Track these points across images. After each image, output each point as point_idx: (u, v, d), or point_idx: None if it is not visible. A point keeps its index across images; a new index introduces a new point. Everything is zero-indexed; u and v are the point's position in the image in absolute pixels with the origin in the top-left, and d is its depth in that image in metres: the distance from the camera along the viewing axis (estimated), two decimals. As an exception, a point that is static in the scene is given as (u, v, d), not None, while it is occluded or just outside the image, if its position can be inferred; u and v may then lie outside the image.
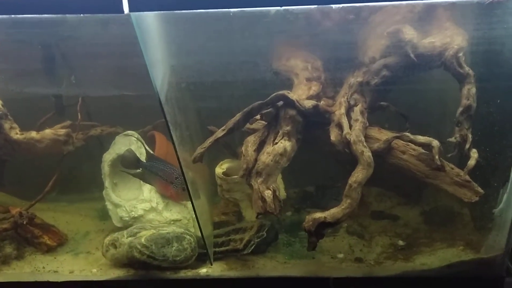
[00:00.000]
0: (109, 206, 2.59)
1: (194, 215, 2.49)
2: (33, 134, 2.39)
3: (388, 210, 2.67)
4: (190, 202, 2.39)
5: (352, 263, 2.35)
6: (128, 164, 2.35)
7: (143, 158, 2.51)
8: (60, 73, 2.46)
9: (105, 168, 2.58)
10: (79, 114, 2.50)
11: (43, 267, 2.42)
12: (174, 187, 2.39)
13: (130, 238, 2.29)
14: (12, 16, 1.76)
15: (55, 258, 2.50)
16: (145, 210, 2.48)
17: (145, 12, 1.80)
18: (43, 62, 2.32)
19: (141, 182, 2.53)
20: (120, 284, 2.31)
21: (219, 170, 2.60)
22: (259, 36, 2.22)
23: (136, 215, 2.49)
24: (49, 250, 2.51)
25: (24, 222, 2.37)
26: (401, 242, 2.45)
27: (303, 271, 2.33)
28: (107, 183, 2.58)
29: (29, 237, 2.50)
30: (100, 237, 2.64)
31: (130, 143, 2.59)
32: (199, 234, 2.42)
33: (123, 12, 1.75)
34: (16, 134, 2.36)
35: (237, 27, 2.12)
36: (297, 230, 2.60)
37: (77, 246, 2.59)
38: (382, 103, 2.26)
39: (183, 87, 2.18)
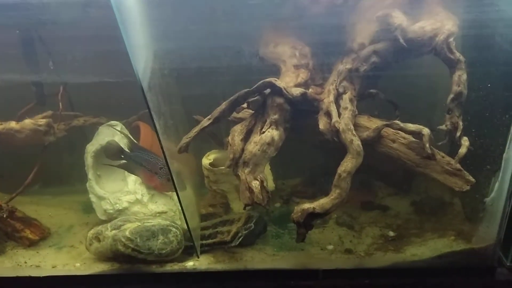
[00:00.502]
0: (93, 198, 2.52)
1: (180, 207, 2.43)
2: (12, 124, 2.31)
3: (378, 200, 2.62)
4: (175, 194, 2.34)
5: (342, 255, 2.31)
6: (111, 155, 2.29)
7: (126, 149, 2.45)
8: (38, 59, 2.38)
9: (88, 159, 2.51)
10: (60, 103, 2.42)
11: (25, 262, 2.35)
12: (159, 178, 2.33)
13: (114, 231, 2.22)
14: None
15: (37, 252, 2.43)
16: (130, 203, 2.42)
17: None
18: (20, 47, 2.24)
19: (126, 173, 2.47)
20: (104, 279, 2.24)
21: (206, 161, 2.55)
22: (244, 20, 2.16)
23: (120, 208, 2.43)
24: (31, 244, 2.44)
25: (4, 216, 2.30)
26: (391, 233, 2.41)
27: (292, 263, 2.28)
28: (90, 175, 2.51)
29: (9, 231, 2.42)
30: (84, 231, 2.58)
31: (113, 133, 2.52)
32: (185, 226, 2.37)
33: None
34: (-6, 125, 2.29)
35: (221, 10, 2.06)
36: (286, 222, 2.55)
37: (60, 240, 2.52)
38: (371, 90, 2.21)
39: (166, 73, 2.10)
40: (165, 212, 2.40)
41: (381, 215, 2.54)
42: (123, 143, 2.43)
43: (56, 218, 2.68)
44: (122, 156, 2.31)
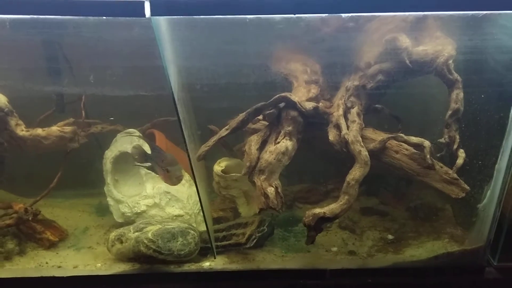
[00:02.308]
0: (111, 202, 2.66)
1: (195, 211, 2.60)
2: (39, 131, 2.43)
3: (376, 206, 2.83)
4: (190, 197, 2.51)
5: (346, 256, 2.50)
6: (138, 159, 2.40)
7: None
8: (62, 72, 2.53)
9: (107, 165, 2.64)
10: (82, 111, 2.56)
11: (46, 263, 2.47)
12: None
13: (137, 233, 2.37)
14: (37, 16, 1.82)
15: (57, 253, 2.55)
16: (148, 206, 2.56)
17: (163, 17, 1.88)
18: (61, 62, 2.39)
19: (144, 178, 2.61)
20: (126, 278, 2.38)
21: (218, 167, 2.70)
22: (261, 41, 2.34)
23: (139, 211, 2.57)
24: (51, 245, 2.55)
25: (29, 218, 2.41)
26: (390, 236, 2.61)
27: (301, 263, 2.46)
28: (109, 179, 2.65)
29: (31, 233, 2.53)
30: (100, 232, 2.71)
31: (131, 141, 2.66)
32: (201, 229, 2.53)
33: (144, 16, 1.83)
34: (21, 131, 2.40)
35: (240, 33, 2.23)
36: (290, 226, 2.73)
37: (77, 241, 2.64)
38: (377, 105, 2.42)
39: (195, 88, 2.27)
40: (182, 216, 2.55)
41: (380, 220, 2.74)
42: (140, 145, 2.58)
43: (71, 220, 2.80)
44: (147, 159, 2.41)
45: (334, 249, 2.55)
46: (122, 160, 2.67)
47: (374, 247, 2.55)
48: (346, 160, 2.47)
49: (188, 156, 2.18)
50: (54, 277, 2.37)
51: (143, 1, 1.82)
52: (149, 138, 2.77)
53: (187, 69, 2.32)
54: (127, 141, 2.67)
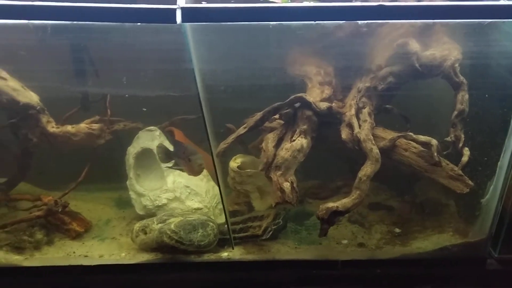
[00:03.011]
0: (133, 195, 2.80)
1: (213, 204, 2.75)
2: (69, 128, 2.57)
3: (383, 202, 2.97)
4: (209, 191, 2.66)
5: (356, 248, 2.65)
6: (163, 157, 2.53)
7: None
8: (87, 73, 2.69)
9: (130, 160, 2.79)
10: (108, 110, 2.70)
11: (74, 252, 2.61)
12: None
13: (160, 225, 2.51)
14: (76, 22, 1.96)
15: (83, 243, 2.69)
16: (168, 199, 2.71)
17: (194, 23, 2.02)
18: (87, 64, 2.55)
19: (165, 173, 2.76)
20: (149, 267, 2.52)
21: (234, 164, 2.84)
22: (278, 44, 2.49)
23: (160, 204, 2.71)
24: (77, 236, 2.69)
25: (59, 210, 2.55)
26: (397, 230, 2.76)
27: (314, 254, 2.60)
28: (131, 174, 2.79)
29: (58, 224, 2.68)
30: (122, 224, 2.85)
31: (152, 137, 2.80)
32: (219, 221, 2.68)
33: (175, 22, 1.97)
34: (52, 127, 2.54)
35: (259, 37, 2.37)
36: (301, 220, 2.88)
37: (101, 232, 2.78)
38: (387, 106, 2.57)
39: (217, 89, 2.42)
40: (201, 209, 2.69)
41: (387, 214, 2.88)
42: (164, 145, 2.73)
43: (94, 213, 2.94)
44: (171, 157, 2.54)
45: (345, 241, 2.70)
46: (144, 156, 2.81)
47: (382, 240, 2.70)
48: (354, 158, 2.63)
49: (211, 152, 2.32)
50: (82, 266, 2.51)
51: (175, 9, 1.96)
52: (168, 135, 2.91)
53: (208, 71, 2.46)
54: (149, 138, 2.81)
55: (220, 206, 2.76)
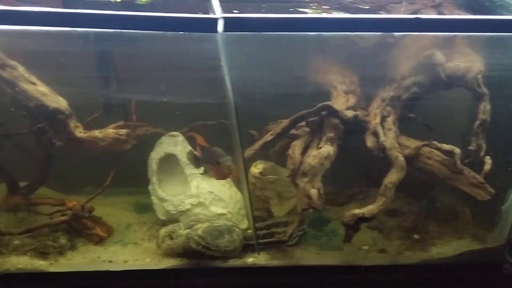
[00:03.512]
0: (155, 200, 2.81)
1: (236, 210, 2.77)
2: (96, 133, 2.57)
3: (400, 208, 3.03)
4: (233, 196, 2.69)
5: (377, 254, 2.70)
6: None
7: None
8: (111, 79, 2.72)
9: (153, 165, 2.80)
10: (133, 115, 2.71)
11: (98, 257, 2.61)
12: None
13: (187, 230, 2.53)
14: (119, 30, 1.98)
15: (105, 248, 2.68)
16: (192, 205, 2.72)
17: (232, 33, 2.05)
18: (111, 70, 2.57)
19: (188, 179, 2.77)
20: (175, 272, 2.54)
21: (255, 170, 2.87)
22: (305, 53, 2.54)
23: (183, 209, 2.72)
24: (100, 241, 2.69)
25: (86, 215, 2.55)
26: (416, 236, 2.82)
27: (337, 260, 2.65)
28: (154, 179, 2.80)
29: (81, 229, 2.67)
30: (143, 229, 2.85)
31: (175, 143, 2.82)
32: (241, 227, 2.70)
33: (216, 31, 2.00)
34: (80, 132, 2.54)
35: (290, 45, 2.41)
36: (320, 225, 2.92)
37: (123, 237, 2.78)
38: (410, 115, 2.63)
39: (258, 97, 2.45)
40: (224, 214, 2.71)
41: (404, 221, 2.94)
42: (185, 152, 2.75)
43: (114, 217, 2.93)
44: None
45: (365, 247, 2.74)
46: (166, 161, 2.83)
47: (402, 246, 2.75)
48: (370, 165, 2.69)
49: (243, 158, 2.35)
50: (108, 271, 2.52)
51: (217, 18, 1.99)
52: (190, 141, 2.93)
53: (240, 79, 2.49)
54: (171, 143, 2.83)
55: (243, 211, 2.78)
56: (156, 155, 2.82)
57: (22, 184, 2.80)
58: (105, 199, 3.09)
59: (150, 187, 2.84)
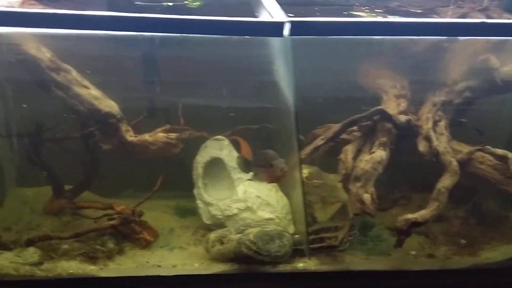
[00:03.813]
0: (200, 204, 2.79)
1: (283, 215, 2.75)
2: (146, 136, 2.56)
3: (445, 213, 3.00)
4: (274, 197, 2.67)
5: (425, 259, 2.68)
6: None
7: (234, 162, 2.75)
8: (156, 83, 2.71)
9: (199, 169, 2.78)
10: (181, 119, 2.70)
11: (147, 262, 2.58)
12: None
13: (238, 235, 2.51)
14: (186, 35, 1.97)
15: (152, 253, 2.66)
16: (239, 209, 2.70)
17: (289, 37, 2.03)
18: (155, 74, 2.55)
19: (235, 183, 2.76)
20: (225, 277, 2.51)
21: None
22: (356, 58, 2.53)
23: (230, 214, 2.70)
24: (147, 245, 2.67)
25: (136, 219, 2.53)
26: (462, 241, 2.80)
27: (386, 265, 2.63)
28: (200, 183, 2.78)
29: (129, 233, 2.65)
30: (187, 233, 2.83)
31: (221, 147, 2.81)
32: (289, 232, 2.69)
33: (282, 35, 1.99)
34: (130, 136, 2.53)
35: (344, 49, 2.40)
36: (364, 230, 2.89)
37: (167, 241, 2.75)
38: (461, 119, 2.62)
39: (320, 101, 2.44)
40: (272, 219, 2.69)
41: (450, 225, 2.93)
42: (231, 156, 2.74)
43: (156, 221, 2.88)
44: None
45: (413, 252, 2.73)
46: (211, 164, 2.81)
47: (449, 251, 2.74)
48: (413, 170, 2.67)
49: (299, 162, 2.33)
50: (158, 276, 2.49)
51: (283, 22, 1.97)
52: (233, 144, 2.92)
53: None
54: (217, 147, 2.81)
55: (289, 216, 2.77)
56: (201, 159, 2.80)
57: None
58: (146, 203, 3.07)
59: (195, 191, 2.82)
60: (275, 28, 1.98)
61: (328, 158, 2.78)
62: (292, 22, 1.97)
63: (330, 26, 1.99)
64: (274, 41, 2.35)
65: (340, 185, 2.93)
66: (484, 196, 2.94)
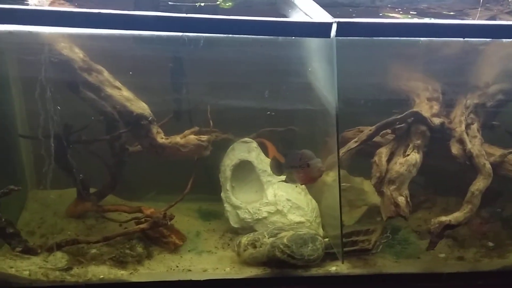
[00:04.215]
0: (228, 208, 2.75)
1: (313, 218, 2.73)
2: (178, 139, 2.51)
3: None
4: (304, 200, 2.64)
5: (455, 261, 2.67)
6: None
7: (262, 164, 2.72)
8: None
9: (227, 172, 2.74)
10: (210, 121, 2.65)
11: (177, 266, 2.54)
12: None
13: (272, 239, 2.48)
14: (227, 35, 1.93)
15: (181, 257, 2.62)
16: (269, 213, 2.67)
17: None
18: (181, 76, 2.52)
19: (264, 186, 2.72)
20: (258, 282, 2.48)
21: (328, 178, 2.82)
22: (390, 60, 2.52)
23: (259, 217, 2.67)
24: (175, 249, 2.62)
25: (168, 223, 2.49)
26: (490, 244, 2.80)
27: (417, 268, 2.62)
28: (228, 186, 2.74)
29: (157, 237, 2.60)
30: (214, 237, 2.79)
31: (249, 149, 2.77)
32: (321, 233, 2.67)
33: (329, 37, 1.96)
34: (161, 138, 2.48)
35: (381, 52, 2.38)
36: (392, 234, 2.88)
37: (195, 245, 2.71)
38: (493, 122, 2.62)
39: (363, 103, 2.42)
40: (303, 222, 2.67)
41: (477, 228, 2.92)
42: (260, 159, 2.70)
43: (181, 225, 2.85)
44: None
45: (442, 255, 2.72)
46: (239, 167, 2.77)
47: (478, 253, 2.73)
48: (437, 173, 2.66)
49: (338, 166, 2.31)
50: (190, 281, 2.45)
51: (331, 23, 1.94)
52: (260, 146, 2.88)
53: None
54: (245, 149, 2.78)
55: (319, 219, 2.75)
56: (229, 161, 2.76)
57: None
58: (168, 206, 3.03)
59: (222, 194, 2.78)
60: (322, 29, 1.95)
61: (353, 161, 2.74)
62: (338, 23, 1.95)
63: (378, 27, 1.97)
64: (310, 42, 2.33)
65: (367, 188, 2.94)
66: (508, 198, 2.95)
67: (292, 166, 2.37)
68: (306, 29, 1.98)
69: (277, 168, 2.46)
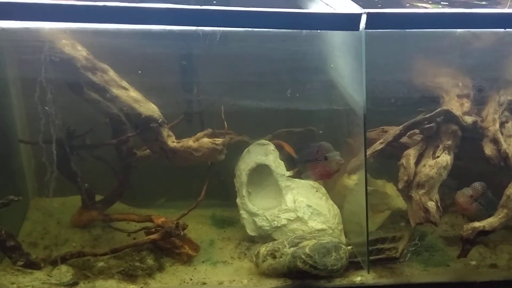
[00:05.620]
0: (244, 215, 2.58)
1: (335, 224, 2.55)
2: (190, 142, 2.32)
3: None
4: (325, 206, 2.47)
5: (488, 269, 2.50)
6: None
7: (281, 168, 2.55)
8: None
9: (243, 177, 2.56)
10: (225, 123, 2.47)
11: (190, 279, 2.37)
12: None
13: (292, 248, 2.30)
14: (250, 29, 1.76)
15: (195, 268, 2.45)
16: (289, 220, 2.50)
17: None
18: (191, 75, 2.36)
19: (283, 192, 2.54)
20: (278, 294, 2.32)
21: (350, 181, 2.66)
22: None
23: (278, 225, 2.50)
24: (188, 260, 2.45)
25: (181, 233, 2.31)
26: (525, 249, 2.63)
27: (447, 277, 2.45)
28: (244, 192, 2.57)
29: (169, 248, 2.43)
30: (229, 246, 2.62)
31: (266, 152, 2.59)
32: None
33: (358, 29, 1.78)
34: (172, 142, 2.30)
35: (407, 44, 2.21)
36: (418, 240, 2.71)
37: (209, 255, 2.54)
38: (528, 120, 2.44)
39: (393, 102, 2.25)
40: (324, 230, 2.49)
41: (508, 233, 2.75)
42: (278, 162, 2.53)
43: (194, 233, 2.69)
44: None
45: (473, 262, 2.55)
46: (256, 171, 2.60)
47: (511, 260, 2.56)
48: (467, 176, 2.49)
49: (365, 166, 2.13)
50: (206, 294, 2.29)
51: (360, 14, 1.76)
52: (276, 148, 2.71)
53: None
54: (262, 152, 2.60)
55: (341, 226, 2.57)
56: (245, 165, 2.58)
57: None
58: (178, 213, 2.86)
59: (238, 201, 2.60)
60: (350, 21, 1.77)
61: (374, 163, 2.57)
62: (369, 14, 1.77)
63: (413, 18, 1.79)
64: (332, 35, 2.15)
65: (390, 191, 2.76)
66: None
67: (308, 160, 2.21)
68: (333, 22, 1.80)
69: (289, 162, 2.28)
